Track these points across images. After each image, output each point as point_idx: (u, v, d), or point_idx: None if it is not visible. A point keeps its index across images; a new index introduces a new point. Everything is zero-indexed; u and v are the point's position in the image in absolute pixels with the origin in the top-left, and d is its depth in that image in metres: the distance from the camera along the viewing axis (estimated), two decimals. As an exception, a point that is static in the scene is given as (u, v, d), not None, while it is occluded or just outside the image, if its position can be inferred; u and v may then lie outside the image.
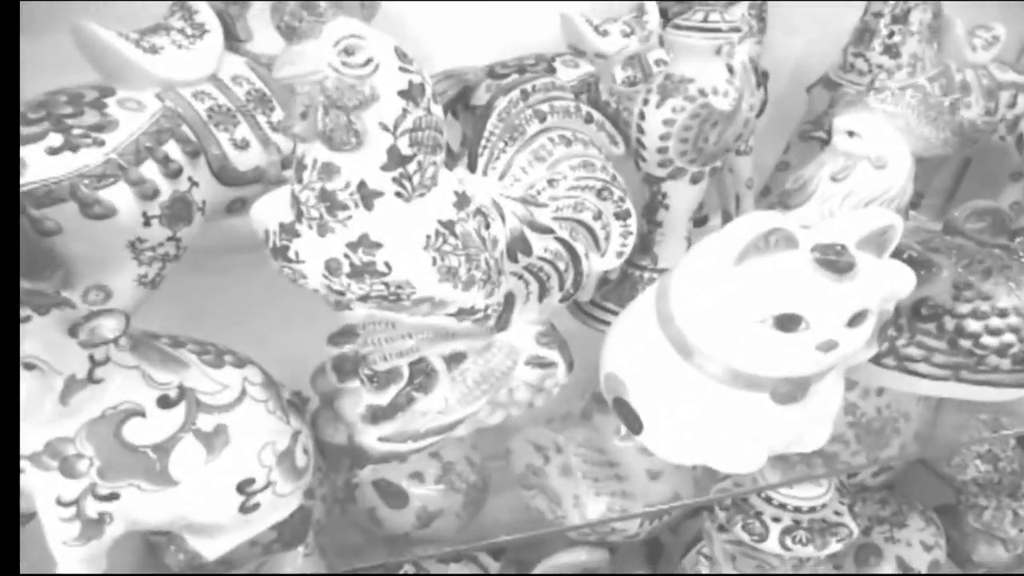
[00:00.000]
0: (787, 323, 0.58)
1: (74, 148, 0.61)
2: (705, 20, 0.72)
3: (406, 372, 0.68)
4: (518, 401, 0.74)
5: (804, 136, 0.94)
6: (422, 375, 0.69)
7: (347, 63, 0.53)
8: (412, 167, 0.57)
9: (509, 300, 0.70)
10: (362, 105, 0.54)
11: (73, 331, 0.47)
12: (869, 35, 0.95)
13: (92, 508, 0.52)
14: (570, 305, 0.83)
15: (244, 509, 0.57)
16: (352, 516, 0.88)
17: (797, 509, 1.14)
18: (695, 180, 0.80)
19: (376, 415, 0.67)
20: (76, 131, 0.62)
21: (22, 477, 0.50)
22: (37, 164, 0.60)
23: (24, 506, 0.52)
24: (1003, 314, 0.73)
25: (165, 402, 0.53)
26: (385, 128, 0.55)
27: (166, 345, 0.56)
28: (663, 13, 0.85)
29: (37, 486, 0.51)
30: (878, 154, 0.75)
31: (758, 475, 1.01)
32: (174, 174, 0.65)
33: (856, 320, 0.60)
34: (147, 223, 0.65)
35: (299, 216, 0.57)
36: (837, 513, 1.15)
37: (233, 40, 0.73)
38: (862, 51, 0.96)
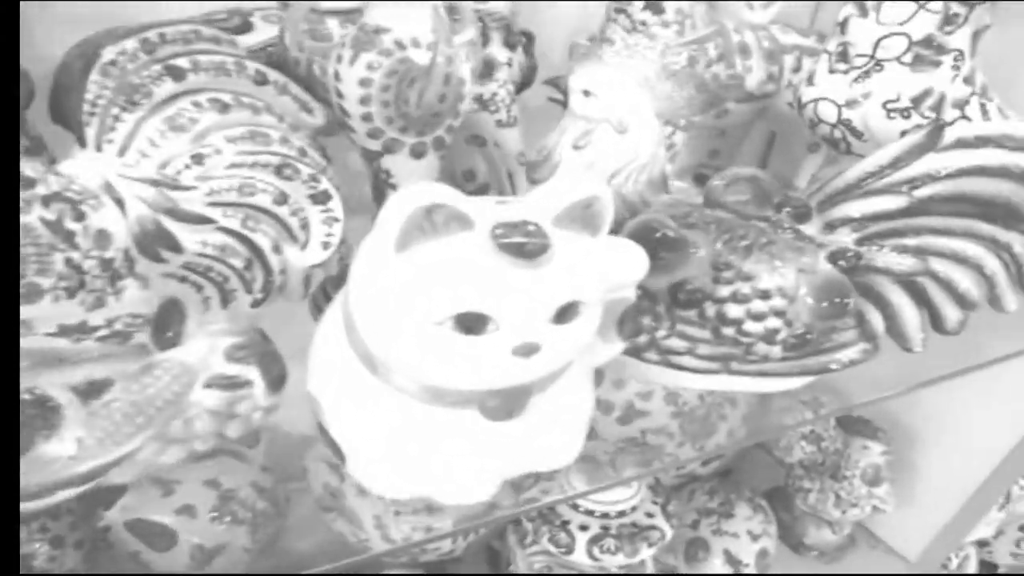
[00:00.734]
0: (470, 324, 0.45)
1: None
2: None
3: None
4: (200, 433, 0.57)
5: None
6: (37, 414, 0.51)
7: None
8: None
9: (171, 310, 0.54)
10: None
11: None
12: (619, -12, 0.84)
13: None
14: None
15: None
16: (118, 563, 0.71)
17: (605, 515, 1.04)
18: (417, 154, 0.65)
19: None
20: None
21: None
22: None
23: None
24: (766, 296, 0.62)
25: None
26: None
27: None
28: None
29: None
30: (618, 117, 0.63)
31: (564, 481, 0.87)
32: None
33: (565, 314, 0.47)
34: None
35: None
36: (649, 515, 1.05)
37: None
38: (624, 6, 0.84)
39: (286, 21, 0.63)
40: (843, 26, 0.80)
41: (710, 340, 0.64)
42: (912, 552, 1.31)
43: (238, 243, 0.56)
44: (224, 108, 0.54)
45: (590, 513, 1.03)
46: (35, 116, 0.62)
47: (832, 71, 0.81)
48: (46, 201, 0.45)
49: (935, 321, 0.69)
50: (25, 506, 0.52)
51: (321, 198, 0.60)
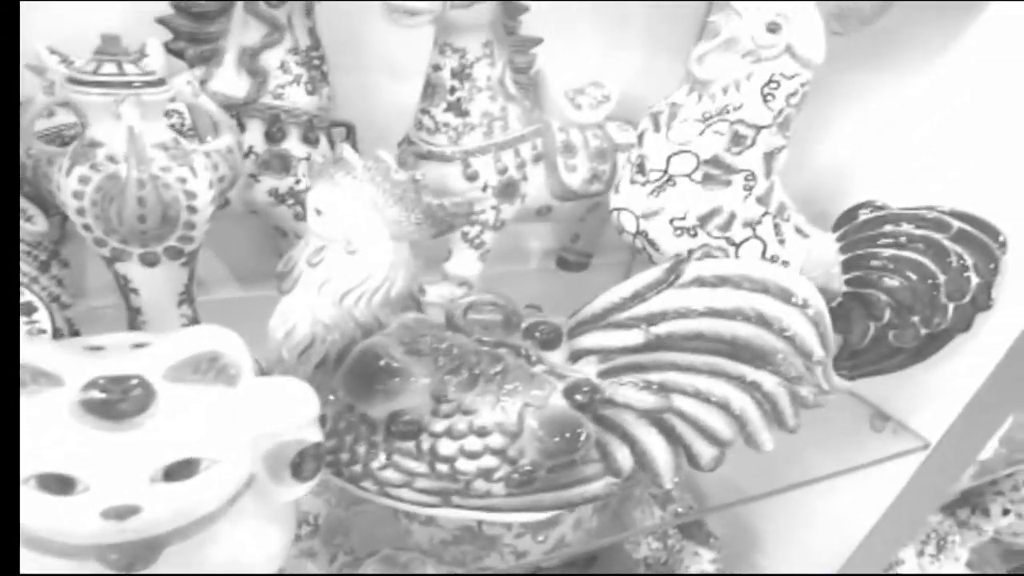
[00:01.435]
0: (54, 484, 0.42)
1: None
2: (96, 72, 0.55)
3: None
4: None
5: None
6: None
7: None
8: None
9: None
10: None
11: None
12: (431, 90, 0.82)
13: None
14: None
15: None
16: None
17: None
18: (149, 263, 0.63)
19: None
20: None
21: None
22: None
23: None
24: (483, 433, 0.59)
25: None
26: None
27: None
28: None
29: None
30: (347, 237, 0.61)
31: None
32: None
33: (180, 472, 0.44)
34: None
35: None
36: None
37: None
38: (428, 108, 0.82)
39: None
40: (640, 138, 0.78)
41: (427, 474, 0.60)
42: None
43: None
44: None
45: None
46: None
47: (632, 181, 0.79)
48: None
49: (689, 458, 0.66)
50: None
51: (26, 309, 0.57)
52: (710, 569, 1.05)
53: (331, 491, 0.75)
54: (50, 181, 0.60)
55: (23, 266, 0.59)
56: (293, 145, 0.80)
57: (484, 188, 0.84)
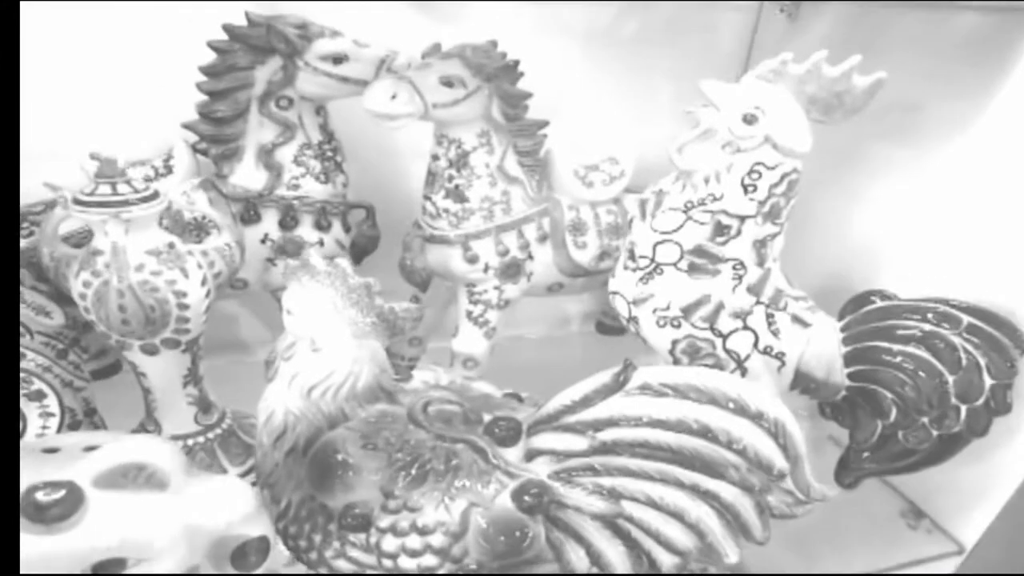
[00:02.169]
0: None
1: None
2: (93, 193, 0.63)
3: None
4: None
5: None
6: None
7: None
8: None
9: None
10: None
11: None
12: (431, 178, 0.85)
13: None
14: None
15: None
16: None
17: None
18: (149, 352, 0.69)
19: None
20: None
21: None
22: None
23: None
24: (424, 531, 0.60)
25: None
26: None
27: None
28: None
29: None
30: (311, 336, 0.64)
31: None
32: None
33: (106, 570, 0.49)
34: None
35: None
36: None
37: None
38: (429, 194, 0.85)
39: (41, 229, 0.69)
40: (630, 224, 0.77)
41: (376, 567, 0.62)
42: None
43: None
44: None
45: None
46: None
47: (625, 267, 0.78)
48: None
49: (650, 563, 0.63)
50: None
51: (36, 396, 0.65)
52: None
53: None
54: (67, 280, 0.68)
55: (39, 357, 0.67)
56: (306, 231, 0.86)
57: (485, 269, 0.86)
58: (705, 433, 0.58)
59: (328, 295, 0.64)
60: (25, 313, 0.68)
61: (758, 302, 0.73)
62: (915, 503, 0.87)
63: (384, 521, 0.61)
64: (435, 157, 0.84)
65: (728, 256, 0.72)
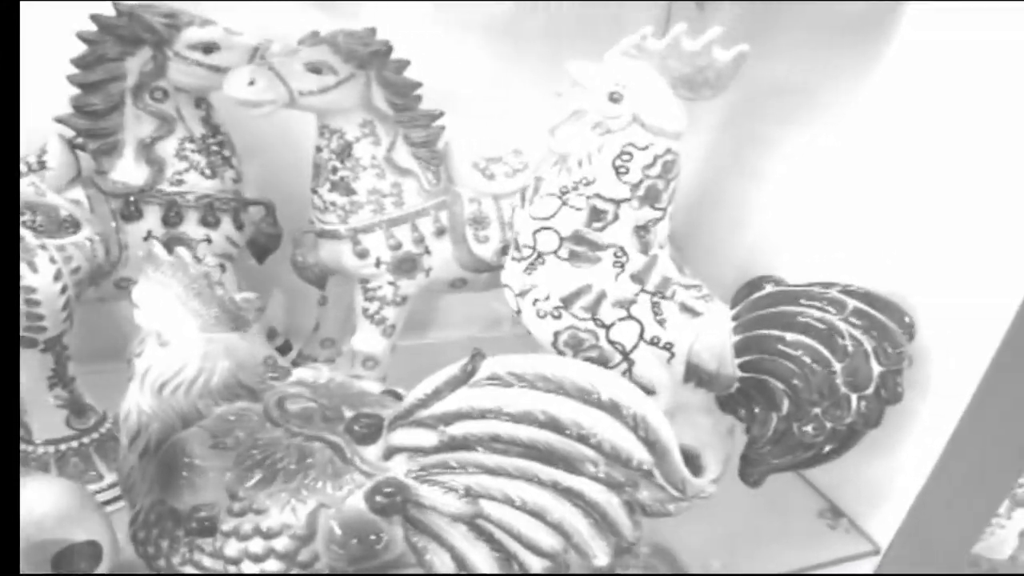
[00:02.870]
0: None
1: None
2: None
3: None
4: None
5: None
6: None
7: None
8: None
9: None
10: None
11: None
12: (316, 171, 0.81)
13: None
14: None
15: None
16: None
17: None
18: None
19: None
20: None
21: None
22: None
23: None
24: (269, 535, 0.56)
25: None
26: None
27: None
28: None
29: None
30: (159, 329, 0.61)
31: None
32: None
33: None
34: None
35: None
36: None
37: None
38: (316, 187, 0.82)
39: None
40: (513, 214, 0.74)
41: (222, 571, 0.58)
42: None
43: None
44: None
45: None
46: None
47: (512, 258, 0.74)
48: None
49: (519, 565, 0.59)
50: None
51: None
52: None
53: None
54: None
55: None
56: (191, 227, 0.82)
57: (377, 264, 0.82)
58: (554, 425, 0.54)
59: (172, 287, 0.61)
60: None
61: (642, 290, 0.69)
62: (834, 502, 0.83)
63: (227, 524, 0.58)
64: (318, 148, 0.80)
65: (607, 243, 0.68)
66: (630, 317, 0.69)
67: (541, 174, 0.70)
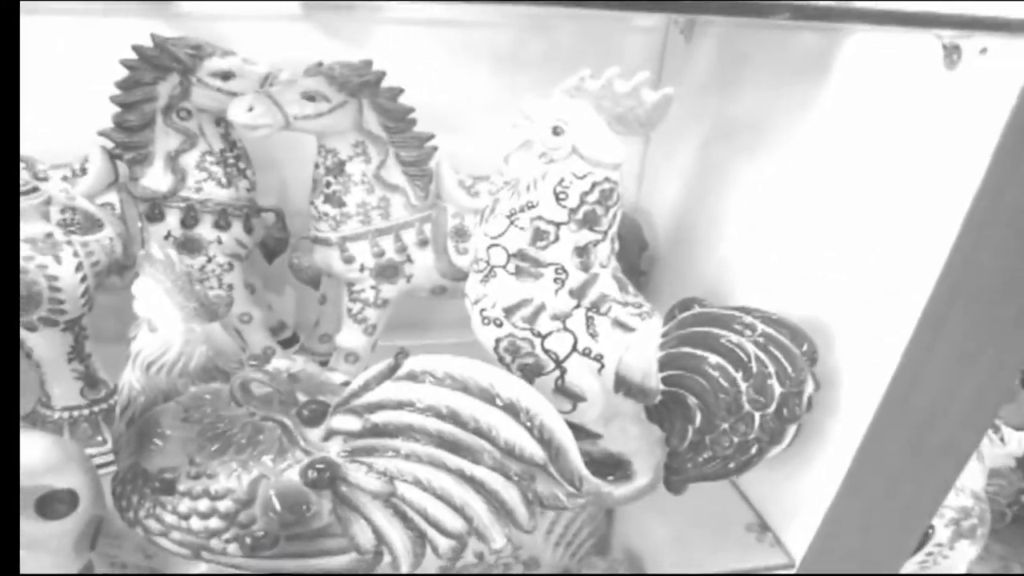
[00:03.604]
0: None
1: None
2: None
3: None
4: None
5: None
6: None
7: None
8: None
9: None
10: None
11: None
12: (313, 184, 0.89)
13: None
14: None
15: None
16: None
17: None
18: (29, 328, 0.77)
19: None
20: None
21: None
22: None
23: None
24: (216, 496, 0.63)
25: None
26: None
27: None
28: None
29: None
30: (148, 317, 0.69)
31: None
32: None
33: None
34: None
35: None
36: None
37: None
38: (312, 199, 0.89)
39: None
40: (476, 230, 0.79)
41: (177, 527, 0.65)
42: None
43: None
44: None
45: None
46: None
47: (473, 270, 0.79)
48: None
49: (430, 544, 0.65)
50: None
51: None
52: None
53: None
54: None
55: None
56: (205, 230, 0.91)
57: (361, 269, 0.89)
58: (455, 419, 0.59)
59: (163, 282, 0.69)
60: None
61: (578, 305, 0.73)
62: (763, 517, 0.84)
63: (183, 485, 0.65)
64: (316, 165, 0.88)
65: (549, 261, 0.72)
66: (565, 329, 0.73)
67: (499, 195, 0.75)
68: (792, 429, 0.66)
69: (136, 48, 0.84)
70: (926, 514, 0.73)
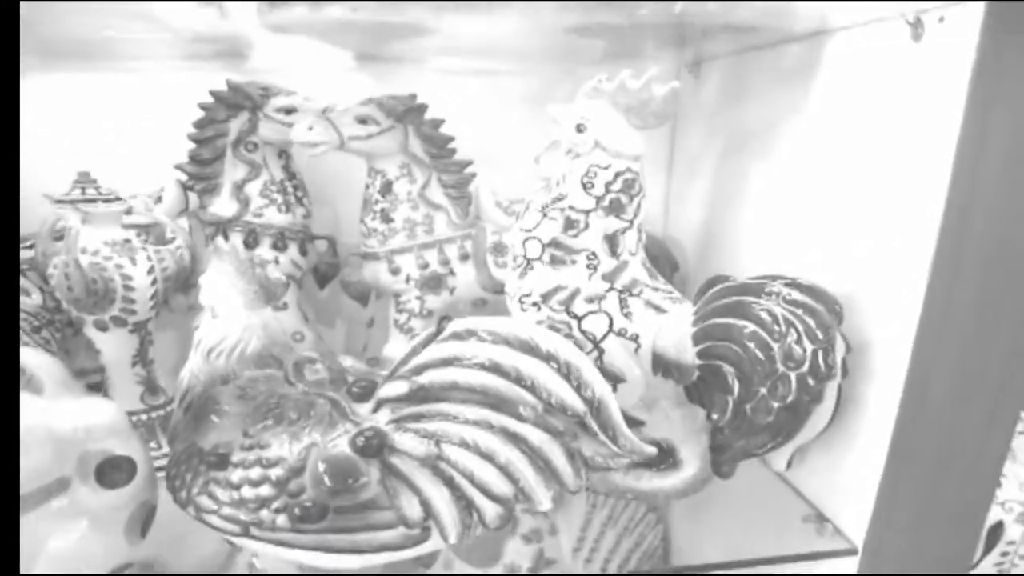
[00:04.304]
0: None
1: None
2: (66, 195, 0.76)
3: None
4: None
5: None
6: None
7: None
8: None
9: None
10: None
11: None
12: (364, 204, 0.93)
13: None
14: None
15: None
16: None
17: None
18: (100, 328, 0.80)
19: None
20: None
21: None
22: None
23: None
24: (268, 464, 0.63)
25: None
26: None
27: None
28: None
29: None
30: (211, 305, 0.72)
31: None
32: None
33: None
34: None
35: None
36: None
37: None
38: (363, 218, 0.93)
39: (39, 231, 0.82)
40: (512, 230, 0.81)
41: (229, 503, 0.65)
42: None
43: None
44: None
45: None
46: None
47: (511, 268, 0.81)
48: None
49: (478, 514, 0.63)
50: None
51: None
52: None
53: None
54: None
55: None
56: (264, 251, 0.95)
57: (407, 281, 0.92)
58: (497, 369, 0.59)
59: (226, 270, 0.72)
60: (15, 295, 0.80)
61: (612, 288, 0.74)
62: (817, 507, 0.79)
63: (236, 456, 0.65)
64: (367, 187, 0.93)
65: (580, 247, 0.74)
66: (600, 311, 0.73)
67: (530, 196, 0.78)
68: (832, 389, 0.64)
69: (214, 92, 0.92)
70: (988, 483, 0.68)
